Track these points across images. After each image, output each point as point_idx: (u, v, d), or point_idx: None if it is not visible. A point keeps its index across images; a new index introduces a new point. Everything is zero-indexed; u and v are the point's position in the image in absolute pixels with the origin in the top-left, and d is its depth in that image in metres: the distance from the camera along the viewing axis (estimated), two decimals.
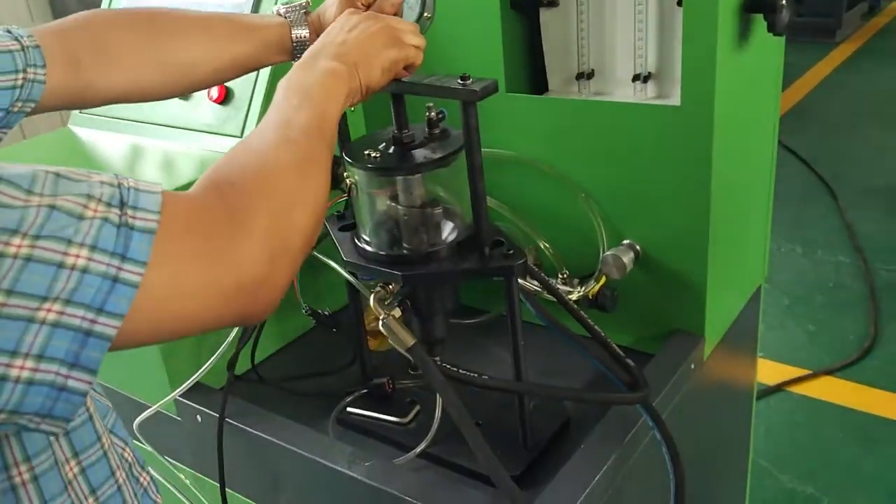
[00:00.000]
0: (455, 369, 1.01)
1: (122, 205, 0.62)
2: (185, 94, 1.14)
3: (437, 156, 0.99)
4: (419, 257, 1.04)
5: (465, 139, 0.96)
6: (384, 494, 1.03)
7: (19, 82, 0.93)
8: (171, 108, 1.42)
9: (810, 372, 2.82)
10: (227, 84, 1.34)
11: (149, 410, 1.25)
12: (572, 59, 1.31)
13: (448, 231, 1.06)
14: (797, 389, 2.77)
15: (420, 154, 1.01)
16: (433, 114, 1.03)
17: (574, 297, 1.26)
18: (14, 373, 0.56)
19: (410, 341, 0.99)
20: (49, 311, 0.57)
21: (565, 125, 1.26)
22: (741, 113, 1.21)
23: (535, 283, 1.20)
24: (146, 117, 1.47)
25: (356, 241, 1.07)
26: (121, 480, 0.81)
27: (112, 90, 1.04)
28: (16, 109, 0.94)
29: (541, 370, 1.25)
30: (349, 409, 1.23)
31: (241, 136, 1.32)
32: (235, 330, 1.20)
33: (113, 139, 1.50)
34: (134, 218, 0.62)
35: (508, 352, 1.07)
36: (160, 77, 1.07)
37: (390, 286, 1.04)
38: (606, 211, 1.27)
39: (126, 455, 0.87)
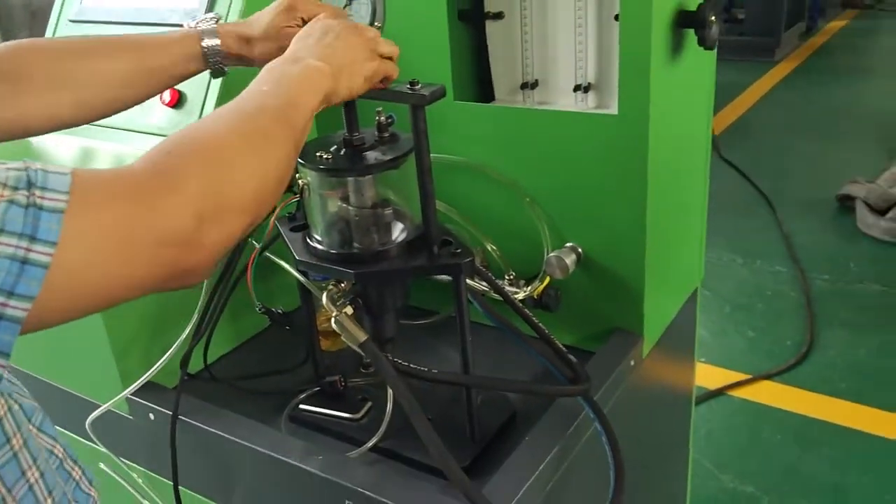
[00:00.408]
0: (406, 364, 1.06)
1: (30, 186, 0.62)
2: (103, 116, 1.15)
3: (387, 158, 1.04)
4: (370, 256, 1.08)
5: (414, 142, 1.00)
6: (338, 487, 1.06)
7: None
8: (125, 112, 1.44)
9: (750, 376, 2.92)
10: (179, 88, 1.37)
11: (100, 409, 1.26)
12: (517, 69, 1.37)
13: (398, 231, 1.11)
14: (738, 393, 2.87)
15: (370, 156, 1.05)
16: (383, 118, 1.07)
17: (520, 296, 1.31)
18: None
19: (362, 337, 1.03)
20: None
21: (510, 132, 1.32)
22: (675, 123, 1.28)
23: (483, 283, 1.25)
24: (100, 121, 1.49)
25: (308, 240, 1.11)
26: (32, 480, 0.79)
27: (27, 118, 1.04)
28: None
29: (489, 368, 1.30)
30: (301, 406, 1.27)
31: None
32: (189, 328, 1.22)
33: (66, 141, 1.51)
34: (42, 199, 0.62)
35: (457, 351, 1.12)
36: (73, 97, 1.08)
37: (342, 284, 1.08)
38: (550, 215, 1.33)
39: (56, 451, 0.88)
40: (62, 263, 0.62)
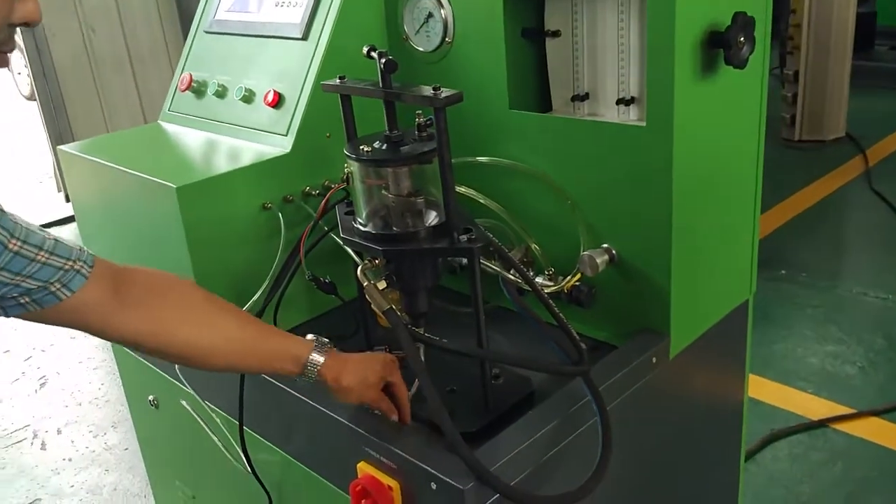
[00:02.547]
0: (421, 333, 1.21)
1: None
2: (191, 366, 1.23)
3: (417, 153, 1.20)
4: (401, 237, 1.24)
5: (437, 139, 1.16)
6: (356, 433, 1.24)
7: (66, 266, 1.04)
8: (237, 111, 1.69)
9: (855, 411, 2.83)
10: (279, 90, 1.60)
11: None
12: (570, 82, 1.49)
13: (431, 218, 1.26)
14: (841, 427, 2.79)
15: (405, 150, 1.22)
16: (422, 119, 1.23)
17: (551, 289, 1.43)
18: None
19: (385, 306, 1.20)
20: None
21: (556, 141, 1.44)
22: (707, 137, 1.36)
23: (516, 275, 1.38)
24: (217, 117, 1.75)
25: (353, 222, 1.29)
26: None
27: (125, 329, 1.13)
28: (51, 290, 1.04)
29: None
30: None
31: (285, 134, 1.57)
32: (261, 290, 1.43)
33: (193, 134, 1.78)
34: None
35: (500, 335, 1.26)
36: (174, 346, 1.17)
37: (377, 261, 1.25)
38: (589, 217, 1.44)
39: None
40: None
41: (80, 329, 1.11)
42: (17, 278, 1.00)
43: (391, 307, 1.20)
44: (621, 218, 1.40)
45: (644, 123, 1.34)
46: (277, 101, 1.62)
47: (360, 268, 1.24)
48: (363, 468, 1.22)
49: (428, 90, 1.15)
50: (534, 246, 1.50)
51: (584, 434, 1.27)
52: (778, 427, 2.78)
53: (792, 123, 5.55)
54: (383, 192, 1.26)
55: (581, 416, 1.26)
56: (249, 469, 1.49)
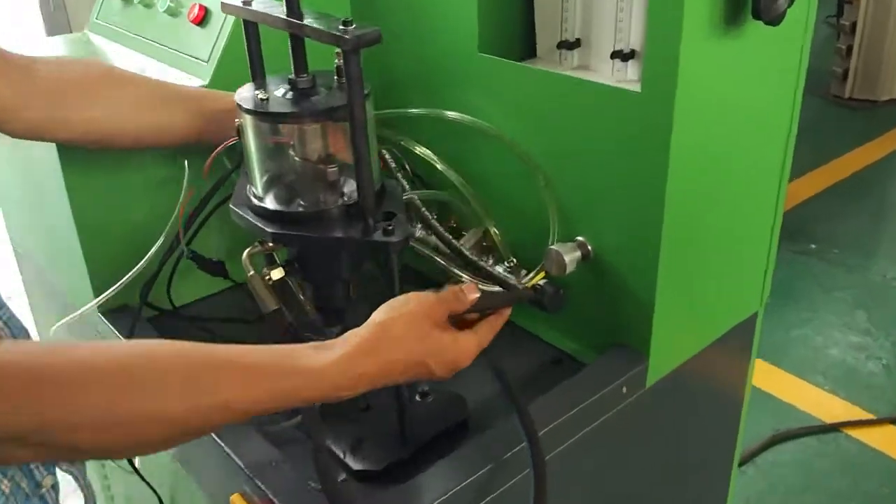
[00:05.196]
0: (312, 335, 0.94)
1: None
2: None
3: (327, 107, 0.90)
4: (301, 218, 0.95)
5: (347, 92, 0.86)
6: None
7: None
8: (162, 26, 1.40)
9: (873, 417, 2.54)
10: (206, 4, 1.29)
11: (68, 318, 1.23)
12: (558, 24, 1.17)
13: (353, 192, 0.97)
14: (854, 433, 2.50)
15: (314, 102, 0.92)
16: (341, 61, 0.93)
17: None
18: None
19: (273, 306, 0.92)
20: None
21: (530, 98, 1.13)
22: (722, 110, 1.04)
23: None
24: (142, 32, 1.45)
25: (248, 192, 1.00)
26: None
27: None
28: None
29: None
30: None
31: (206, 61, 1.27)
32: (150, 253, 1.15)
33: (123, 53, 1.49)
34: None
35: None
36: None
37: (270, 244, 0.96)
38: (563, 201, 1.14)
39: None
40: None
41: None
42: None
43: (279, 307, 0.92)
44: (602, 205, 1.10)
45: (639, 88, 1.02)
46: (203, 18, 1.31)
47: (246, 252, 0.95)
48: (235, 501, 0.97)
49: (337, 24, 0.84)
50: (493, 230, 1.20)
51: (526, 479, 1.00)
52: (785, 427, 2.50)
53: (844, 79, 5.08)
54: (291, 153, 0.96)
55: (499, 474, 0.98)
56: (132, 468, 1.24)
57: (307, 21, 0.87)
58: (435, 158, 1.23)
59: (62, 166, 1.18)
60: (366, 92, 0.92)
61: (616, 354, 1.14)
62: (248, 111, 0.91)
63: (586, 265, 1.14)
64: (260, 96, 0.92)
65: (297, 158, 0.95)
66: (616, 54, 1.10)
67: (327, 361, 0.76)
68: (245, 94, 0.94)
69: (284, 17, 0.89)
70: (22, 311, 1.02)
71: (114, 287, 1.17)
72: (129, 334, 1.17)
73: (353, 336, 0.80)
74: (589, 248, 1.13)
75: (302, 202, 0.97)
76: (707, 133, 1.03)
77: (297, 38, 0.91)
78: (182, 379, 0.69)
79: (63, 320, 1.25)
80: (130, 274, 1.16)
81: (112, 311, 1.26)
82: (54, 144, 1.16)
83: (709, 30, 0.96)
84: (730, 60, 1.01)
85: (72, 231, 1.23)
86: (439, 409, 1.08)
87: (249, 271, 0.93)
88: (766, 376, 2.70)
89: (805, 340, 2.93)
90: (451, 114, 1.20)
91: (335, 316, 1.05)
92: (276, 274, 0.95)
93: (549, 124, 1.12)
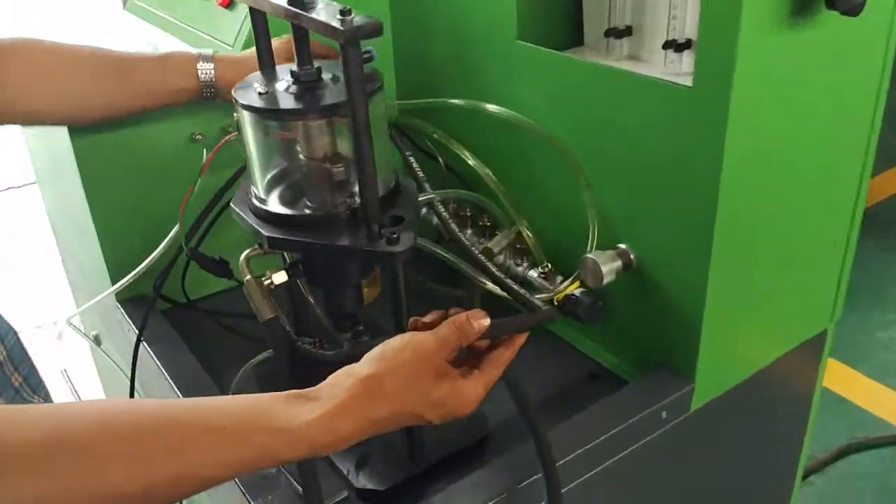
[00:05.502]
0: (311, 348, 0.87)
1: None
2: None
3: (329, 103, 0.81)
4: (304, 221, 0.87)
5: (346, 87, 0.77)
6: None
7: None
8: (192, 8, 1.34)
9: None
10: None
11: (82, 308, 1.21)
12: (605, 10, 1.05)
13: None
14: None
15: (317, 97, 0.83)
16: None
17: (542, 295, 1.04)
18: None
19: (268, 314, 0.85)
20: None
21: (571, 90, 1.02)
22: (787, 111, 0.91)
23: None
24: (173, 13, 1.40)
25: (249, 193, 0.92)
26: None
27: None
28: None
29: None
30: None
31: (231, 46, 1.21)
32: (163, 244, 1.10)
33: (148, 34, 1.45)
34: None
35: None
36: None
37: (266, 247, 0.89)
38: (605, 205, 1.03)
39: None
40: None
41: None
42: None
43: (276, 316, 0.85)
44: (647, 211, 0.99)
45: (691, 83, 0.90)
46: (231, 1, 1.25)
47: (244, 255, 0.88)
48: None
49: (334, 12, 0.75)
50: (525, 231, 1.11)
51: None
52: (863, 435, 2.33)
53: None
54: (292, 150, 0.88)
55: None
56: None
57: (318, 9, 0.78)
58: (467, 154, 1.13)
59: (74, 150, 1.14)
60: (377, 86, 0.83)
61: (657, 376, 1.03)
62: (244, 107, 0.83)
63: (628, 276, 1.03)
64: (258, 90, 0.84)
65: (301, 157, 0.88)
66: (669, 44, 0.98)
67: (306, 420, 0.67)
68: (244, 86, 0.87)
69: (285, 4, 0.80)
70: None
71: (127, 277, 1.13)
72: (142, 326, 1.12)
73: (339, 389, 0.70)
74: (631, 256, 1.02)
75: (307, 203, 0.90)
76: (770, 135, 0.91)
77: (300, 28, 0.83)
78: (134, 450, 0.60)
79: (80, 308, 1.22)
80: (143, 265, 1.12)
81: (129, 301, 1.22)
82: (66, 128, 1.11)
83: (773, 21, 0.83)
84: (799, 55, 0.88)
85: (87, 216, 1.20)
86: (455, 426, 0.97)
87: (246, 276, 0.86)
88: (844, 381, 2.52)
89: (890, 344, 2.72)
90: (490, 107, 1.10)
91: (347, 322, 0.97)
92: (279, 278, 0.88)
93: (591, 119, 1.01)
